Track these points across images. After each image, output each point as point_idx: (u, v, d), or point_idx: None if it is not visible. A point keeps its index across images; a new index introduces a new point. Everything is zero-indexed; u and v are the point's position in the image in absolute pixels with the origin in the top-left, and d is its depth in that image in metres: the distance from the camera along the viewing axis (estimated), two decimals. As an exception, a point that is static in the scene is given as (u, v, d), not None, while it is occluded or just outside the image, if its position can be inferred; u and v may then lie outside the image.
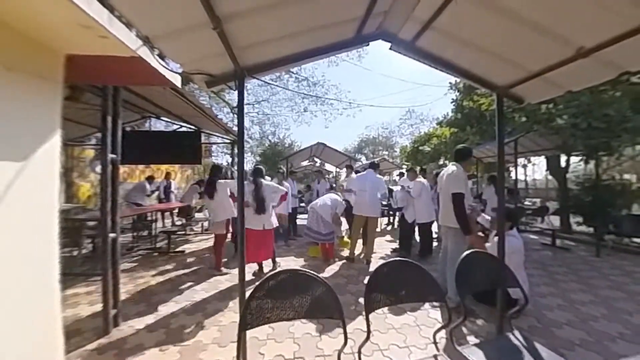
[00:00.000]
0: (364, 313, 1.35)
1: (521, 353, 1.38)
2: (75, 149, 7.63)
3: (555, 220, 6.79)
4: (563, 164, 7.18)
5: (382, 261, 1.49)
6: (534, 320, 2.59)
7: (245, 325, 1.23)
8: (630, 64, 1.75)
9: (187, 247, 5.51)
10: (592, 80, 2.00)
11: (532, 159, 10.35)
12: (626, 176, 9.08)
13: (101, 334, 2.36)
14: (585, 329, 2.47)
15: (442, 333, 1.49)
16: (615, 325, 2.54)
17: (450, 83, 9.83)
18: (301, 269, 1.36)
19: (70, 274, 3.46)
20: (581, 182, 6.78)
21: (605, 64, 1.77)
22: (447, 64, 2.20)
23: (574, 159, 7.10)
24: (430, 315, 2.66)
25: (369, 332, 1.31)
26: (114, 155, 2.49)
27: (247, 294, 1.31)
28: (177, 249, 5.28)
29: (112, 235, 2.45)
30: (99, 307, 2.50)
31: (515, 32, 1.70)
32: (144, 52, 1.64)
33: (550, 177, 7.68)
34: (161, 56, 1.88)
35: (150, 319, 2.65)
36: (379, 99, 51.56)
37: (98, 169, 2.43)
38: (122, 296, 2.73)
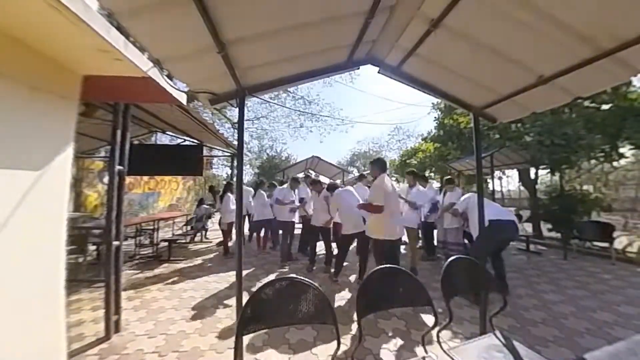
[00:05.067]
0: (356, 318, 1.31)
1: (502, 351, 1.35)
2: (85, 161, 7.45)
3: (529, 227, 6.89)
4: (533, 176, 7.38)
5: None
6: (513, 320, 2.57)
7: (242, 331, 1.18)
8: (581, 90, 1.85)
9: (188, 255, 5.33)
10: (552, 103, 2.10)
11: (507, 171, 10.62)
12: (585, 187, 9.36)
13: (102, 339, 2.23)
14: (557, 326, 2.48)
15: (430, 335, 1.45)
16: (582, 322, 2.55)
17: (432, 103, 10.11)
18: (297, 276, 1.32)
19: (75, 280, 3.29)
20: (549, 192, 6.96)
21: (561, 90, 1.87)
22: (429, 86, 2.27)
23: (541, 172, 7.32)
24: (419, 319, 2.61)
25: (361, 337, 1.27)
26: (121, 167, 2.43)
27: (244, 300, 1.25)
28: (178, 257, 5.10)
29: (115, 243, 2.35)
30: (101, 313, 2.37)
31: (487, 61, 1.78)
32: (154, 73, 1.65)
33: (522, 188, 7.86)
34: (169, 77, 1.88)
35: (150, 325, 2.52)
36: (369, 116, 52.56)
37: (106, 179, 2.37)
38: (124, 302, 2.60)
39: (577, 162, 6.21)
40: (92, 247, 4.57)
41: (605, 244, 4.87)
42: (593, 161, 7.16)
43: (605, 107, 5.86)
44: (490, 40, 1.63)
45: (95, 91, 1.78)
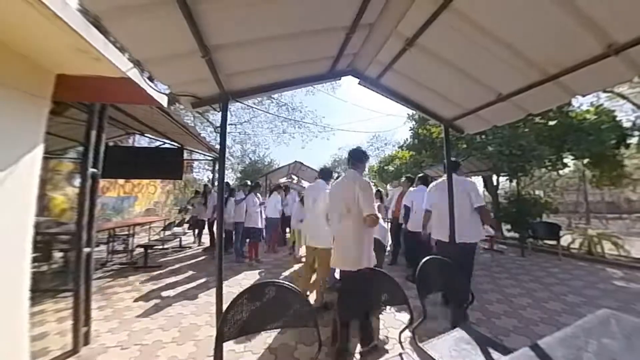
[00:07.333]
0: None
1: (470, 343, 1.43)
2: (52, 161, 6.78)
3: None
4: (495, 182, 7.95)
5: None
6: (480, 314, 2.72)
7: (222, 337, 1.13)
8: (532, 108, 2.06)
9: (165, 262, 5.01)
10: (509, 118, 2.30)
11: (473, 178, 11.33)
12: (537, 192, 10.26)
13: (70, 352, 2.01)
14: (516, 317, 2.66)
15: (407, 333, 1.49)
16: (537, 312, 2.77)
17: (408, 114, 10.48)
18: (277, 280, 1.30)
19: (39, 290, 2.95)
20: (508, 197, 7.56)
21: (516, 107, 2.06)
22: (405, 99, 2.37)
23: (502, 179, 7.92)
24: (396, 317, 2.66)
25: (342, 337, 1.27)
26: (94, 170, 2.25)
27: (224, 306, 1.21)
28: (154, 264, 4.77)
29: (86, 249, 2.15)
30: (68, 324, 2.15)
31: (455, 78, 1.91)
32: (134, 74, 1.56)
33: (486, 193, 8.43)
34: (150, 78, 1.80)
35: (123, 336, 2.32)
36: (350, 124, 53.88)
37: (76, 182, 2.18)
38: (94, 312, 2.37)
39: (531, 170, 6.82)
40: (58, 254, 4.14)
41: (554, 242, 5.37)
42: (543, 169, 7.90)
43: (551, 123, 6.54)
44: (457, 60, 1.76)
45: (70, 91, 1.65)
